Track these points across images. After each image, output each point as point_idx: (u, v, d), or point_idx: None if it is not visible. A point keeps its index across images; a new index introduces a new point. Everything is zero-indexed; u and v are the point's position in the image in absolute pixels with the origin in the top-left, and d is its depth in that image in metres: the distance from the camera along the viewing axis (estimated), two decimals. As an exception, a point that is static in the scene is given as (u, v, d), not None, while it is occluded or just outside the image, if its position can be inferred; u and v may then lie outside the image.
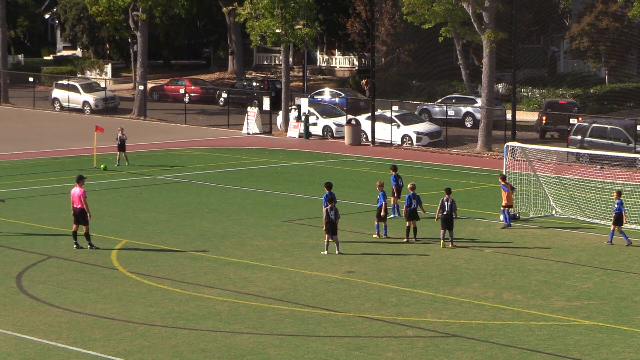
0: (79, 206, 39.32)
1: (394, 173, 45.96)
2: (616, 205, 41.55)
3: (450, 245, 40.64)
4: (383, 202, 42.08)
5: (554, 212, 46.06)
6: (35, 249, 39.71)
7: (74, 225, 39.60)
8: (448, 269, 37.42)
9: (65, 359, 27.82)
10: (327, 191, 40.93)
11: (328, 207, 39.19)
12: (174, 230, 43.18)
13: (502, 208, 44.73)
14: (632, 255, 40.03)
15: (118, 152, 58.07)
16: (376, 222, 42.52)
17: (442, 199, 40.93)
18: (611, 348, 29.01)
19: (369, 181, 54.68)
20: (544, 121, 71.31)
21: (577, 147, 62.75)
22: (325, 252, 39.16)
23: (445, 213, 40.64)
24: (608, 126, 64.76)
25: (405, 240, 41.59)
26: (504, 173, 45.89)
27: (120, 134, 58.08)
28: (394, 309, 32.59)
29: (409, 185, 42.91)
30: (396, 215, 45.28)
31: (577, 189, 47.48)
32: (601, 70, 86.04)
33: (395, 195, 45.62)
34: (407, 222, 41.99)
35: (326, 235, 39.22)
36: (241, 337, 29.64)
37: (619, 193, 42.02)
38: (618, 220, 41.57)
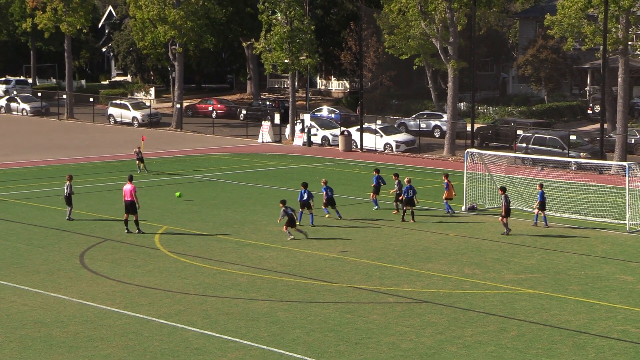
0: (129, 199, 39.32)
1: (376, 174, 45.78)
2: (539, 195, 42.02)
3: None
4: (323, 193, 43.01)
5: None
6: (94, 233, 39.66)
7: (125, 215, 39.58)
8: (421, 249, 37.36)
9: (117, 320, 27.77)
10: (303, 189, 41.74)
11: (287, 207, 38.60)
12: (204, 218, 43.12)
13: (444, 200, 44.80)
14: (566, 238, 39.98)
15: (137, 162, 56.60)
16: (324, 207, 43.09)
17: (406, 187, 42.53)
18: (550, 311, 28.97)
19: (358, 180, 54.66)
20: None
21: (522, 153, 62.71)
22: (292, 237, 38.80)
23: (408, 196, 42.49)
24: (547, 136, 64.70)
25: (394, 212, 42.47)
26: (447, 172, 46.11)
27: (137, 150, 57.02)
28: (378, 280, 32.53)
29: (406, 179, 43.12)
30: (377, 207, 45.15)
31: (522, 186, 47.41)
32: (542, 92, 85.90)
33: (374, 191, 45.45)
34: (405, 207, 42.13)
35: (286, 228, 38.80)
36: (257, 303, 29.58)
37: (541, 185, 42.46)
38: (542, 206, 41.92)
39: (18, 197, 48.22)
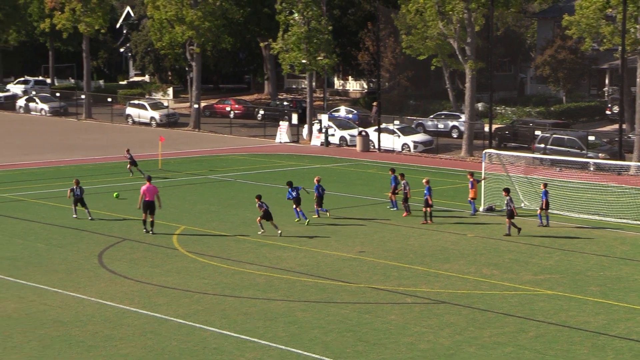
0: (150, 199, 39.34)
1: (392, 174, 45.66)
2: (542, 195, 42.06)
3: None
4: (315, 192, 43.11)
5: (522, 204, 45.89)
6: (113, 233, 39.76)
7: (144, 215, 39.63)
8: (439, 250, 37.31)
9: (136, 319, 27.83)
10: (289, 187, 42.15)
11: (262, 203, 39.45)
12: (222, 218, 43.16)
13: (470, 200, 44.72)
14: (585, 239, 39.85)
15: (130, 167, 55.51)
16: (315, 207, 43.15)
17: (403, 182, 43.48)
18: (568, 312, 28.89)
19: (376, 180, 54.60)
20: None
21: (540, 153, 62.54)
22: (263, 231, 39.52)
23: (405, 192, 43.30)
24: (565, 137, 64.51)
25: (423, 222, 41.98)
26: (482, 174, 45.81)
27: (127, 155, 55.76)
28: (396, 281, 32.50)
29: (424, 180, 43.00)
30: (394, 208, 45.08)
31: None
32: (560, 92, 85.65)
33: (391, 191, 45.35)
34: (424, 209, 42.11)
35: (260, 221, 39.53)
36: (275, 303, 29.59)
37: (545, 185, 42.50)
38: (546, 206, 42.01)
39: (37, 196, 48.40)
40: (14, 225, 41.32)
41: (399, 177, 44.45)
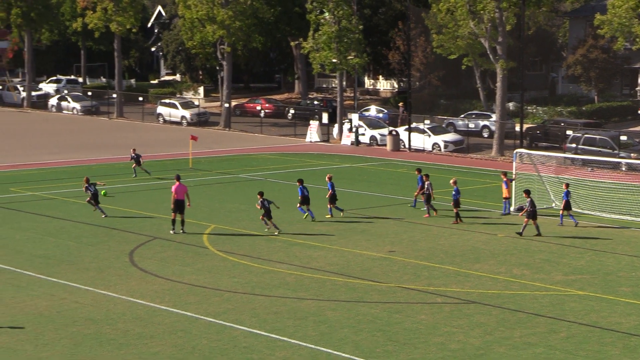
0: (180, 198, 39.39)
1: (419, 174, 45.40)
2: (564, 195, 41.93)
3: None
4: (330, 190, 43.29)
5: (553, 204, 45.66)
6: (143, 231, 39.92)
7: (173, 214, 39.62)
8: (469, 250, 37.21)
9: (166, 318, 27.93)
10: (300, 185, 42.64)
11: (264, 199, 39.65)
12: (252, 217, 43.19)
13: (504, 200, 44.56)
14: (616, 239, 39.62)
15: (134, 166, 54.85)
16: (329, 206, 43.26)
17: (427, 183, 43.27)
18: (599, 313, 28.74)
19: (406, 179, 54.46)
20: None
21: (572, 153, 62.23)
22: (273, 230, 39.62)
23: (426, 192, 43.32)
24: (597, 136, 64.15)
25: (454, 222, 41.88)
26: (513, 173, 45.62)
27: (133, 154, 55.20)
28: (426, 280, 32.45)
29: (451, 181, 42.90)
30: (413, 206, 45.01)
31: (572, 187, 47.00)
32: (592, 92, 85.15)
33: (417, 191, 45.20)
34: (455, 209, 42.01)
35: (262, 218, 39.79)
36: (305, 302, 29.62)
37: (567, 185, 42.49)
38: (567, 205, 41.82)
39: (68, 195, 48.68)
40: (46, 223, 41.59)
41: (424, 178, 44.31)
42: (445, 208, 43.71)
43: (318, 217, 42.44)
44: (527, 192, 40.40)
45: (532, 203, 39.56)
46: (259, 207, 39.87)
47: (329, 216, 43.08)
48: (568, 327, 27.36)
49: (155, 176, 54.39)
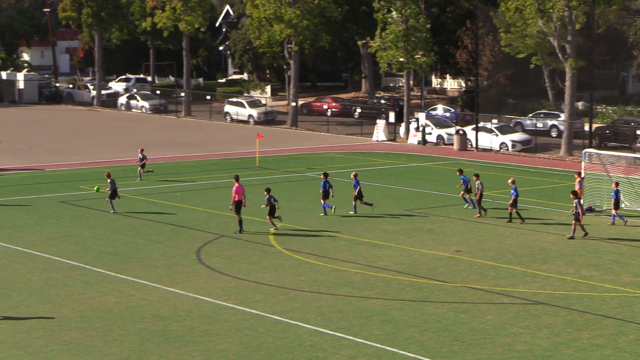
0: (240, 199, 39.48)
1: (461, 175, 45.02)
2: (613, 194, 41.65)
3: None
4: (358, 187, 43.62)
5: (623, 204, 45.08)
6: (210, 229, 40.19)
7: (237, 215, 39.54)
8: (537, 250, 36.90)
9: (233, 315, 28.07)
10: (323, 178, 43.27)
11: (270, 196, 39.69)
12: (318, 216, 43.26)
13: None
14: (688, 240, 39.05)
15: (140, 169, 53.84)
16: (354, 203, 43.67)
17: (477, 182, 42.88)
18: (670, 316, 28.35)
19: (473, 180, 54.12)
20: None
21: (642, 153, 61.46)
22: (275, 228, 39.94)
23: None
24: (668, 136, 63.29)
25: (507, 221, 41.62)
26: (582, 174, 45.16)
27: (140, 154, 54.27)
28: (493, 281, 32.25)
29: (509, 180, 42.58)
30: (469, 206, 44.70)
31: (642, 187, 46.53)
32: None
33: (464, 191, 44.93)
34: (514, 210, 41.68)
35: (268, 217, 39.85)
36: (371, 302, 29.60)
37: (617, 184, 42.16)
38: (616, 205, 41.50)
39: (137, 192, 49.16)
40: (114, 220, 42.05)
41: (474, 178, 43.99)
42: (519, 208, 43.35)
43: (343, 212, 42.70)
44: (575, 194, 39.91)
45: (579, 204, 39.06)
46: (263, 207, 39.94)
47: (352, 212, 43.50)
48: (637, 329, 27.00)
49: (221, 174, 54.78)
